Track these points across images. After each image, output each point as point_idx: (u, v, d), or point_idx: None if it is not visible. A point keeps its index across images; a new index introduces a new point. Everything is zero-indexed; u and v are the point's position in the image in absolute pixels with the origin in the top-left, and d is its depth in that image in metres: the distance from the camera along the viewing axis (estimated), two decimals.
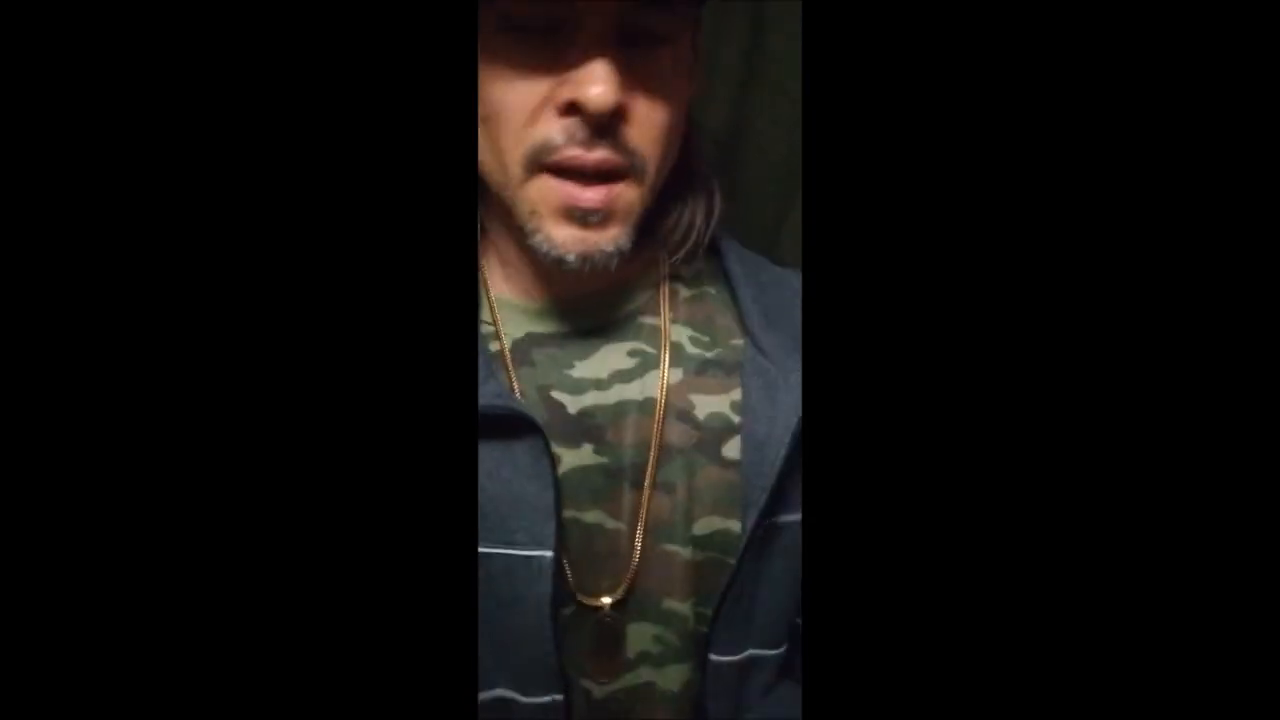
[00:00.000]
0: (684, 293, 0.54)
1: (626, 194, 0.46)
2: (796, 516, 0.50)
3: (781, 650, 0.52)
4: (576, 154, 0.44)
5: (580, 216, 0.46)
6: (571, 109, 0.43)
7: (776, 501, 0.49)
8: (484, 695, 0.48)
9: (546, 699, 0.47)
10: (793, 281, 0.56)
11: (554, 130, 0.44)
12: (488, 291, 0.53)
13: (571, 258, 0.47)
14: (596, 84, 0.41)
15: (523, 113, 0.44)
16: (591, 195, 0.45)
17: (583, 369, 0.51)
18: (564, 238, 0.46)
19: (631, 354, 0.51)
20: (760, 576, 0.50)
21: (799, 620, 0.52)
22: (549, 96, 0.44)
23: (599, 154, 0.44)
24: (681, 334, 0.52)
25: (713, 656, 0.50)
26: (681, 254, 0.52)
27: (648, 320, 0.52)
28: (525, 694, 0.47)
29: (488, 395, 0.47)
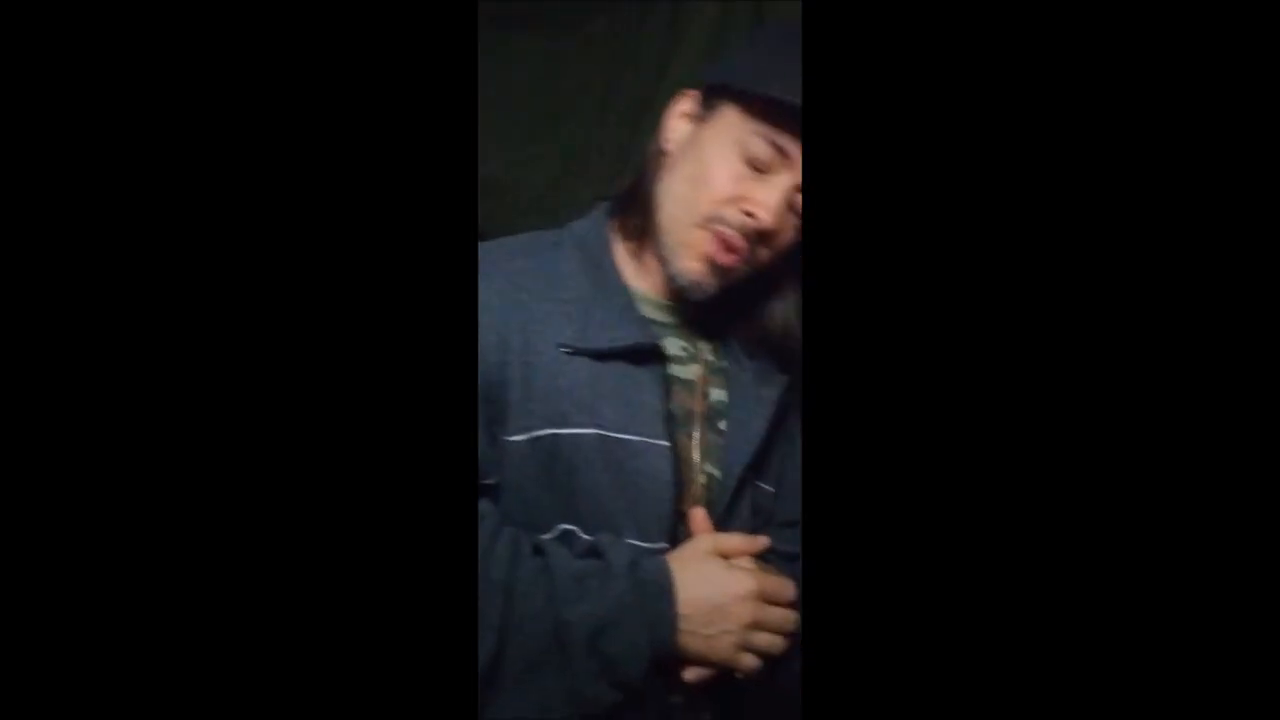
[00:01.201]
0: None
1: (736, 271, 0.70)
2: (761, 485, 0.75)
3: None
4: (733, 236, 0.68)
5: (709, 262, 0.70)
6: (750, 214, 0.68)
7: (738, 465, 0.72)
8: (617, 541, 0.68)
9: (660, 545, 0.67)
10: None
11: (731, 214, 0.68)
12: (625, 267, 0.76)
13: (684, 281, 0.71)
14: (771, 214, 0.68)
15: (725, 194, 0.69)
16: (725, 256, 0.69)
17: (664, 346, 0.75)
18: (690, 269, 0.70)
19: (683, 348, 0.75)
20: (733, 515, 0.72)
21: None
22: (742, 197, 0.68)
23: (744, 244, 0.69)
24: (708, 346, 0.77)
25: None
26: (763, 343, 0.76)
27: (691, 331, 0.76)
28: (644, 539, 0.67)
29: (643, 334, 0.71)
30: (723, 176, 0.69)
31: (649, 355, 0.71)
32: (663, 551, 0.67)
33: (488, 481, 0.68)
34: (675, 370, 0.73)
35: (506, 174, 1.11)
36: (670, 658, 0.64)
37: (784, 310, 0.76)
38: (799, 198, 0.70)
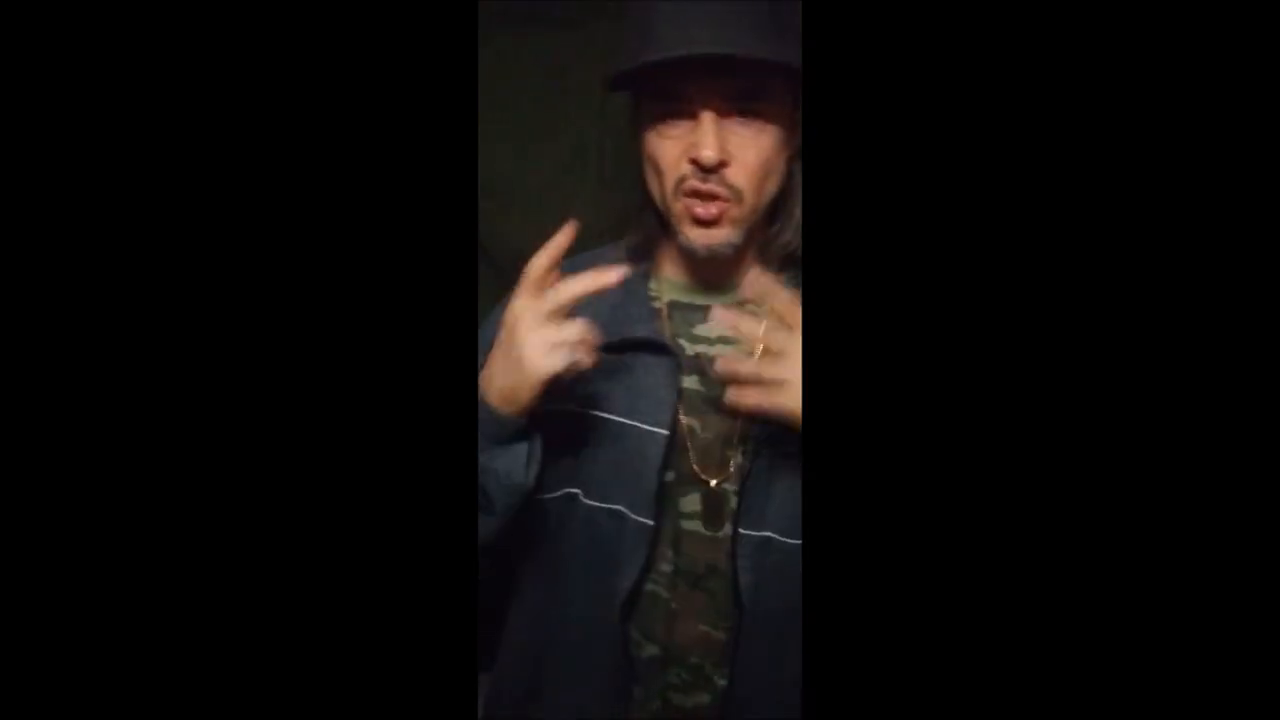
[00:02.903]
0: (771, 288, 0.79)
1: (731, 210, 0.74)
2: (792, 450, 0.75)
3: (795, 541, 0.75)
4: (696, 184, 0.73)
5: (699, 222, 0.74)
6: (694, 160, 0.72)
7: (782, 434, 0.72)
8: (607, 505, 0.78)
9: (645, 520, 0.76)
10: None
11: (687, 170, 0.73)
12: (658, 272, 0.84)
13: (699, 250, 0.75)
14: (707, 147, 0.71)
15: (671, 161, 0.74)
16: (704, 209, 0.73)
17: (701, 329, 0.81)
18: (693, 235, 0.75)
19: (730, 328, 0.76)
20: (775, 484, 0.76)
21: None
22: (685, 151, 0.73)
23: (709, 185, 0.73)
24: (763, 323, 0.75)
25: (741, 530, 0.76)
26: (769, 257, 0.80)
27: (749, 307, 0.78)
28: (634, 511, 0.76)
29: (651, 331, 0.79)
30: (663, 150, 0.74)
31: (661, 348, 0.78)
32: (648, 526, 0.75)
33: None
34: (711, 350, 0.79)
35: (506, 174, 1.10)
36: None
37: (782, 224, 0.79)
38: (739, 117, 0.72)
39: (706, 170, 0.71)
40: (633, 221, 0.83)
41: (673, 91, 0.72)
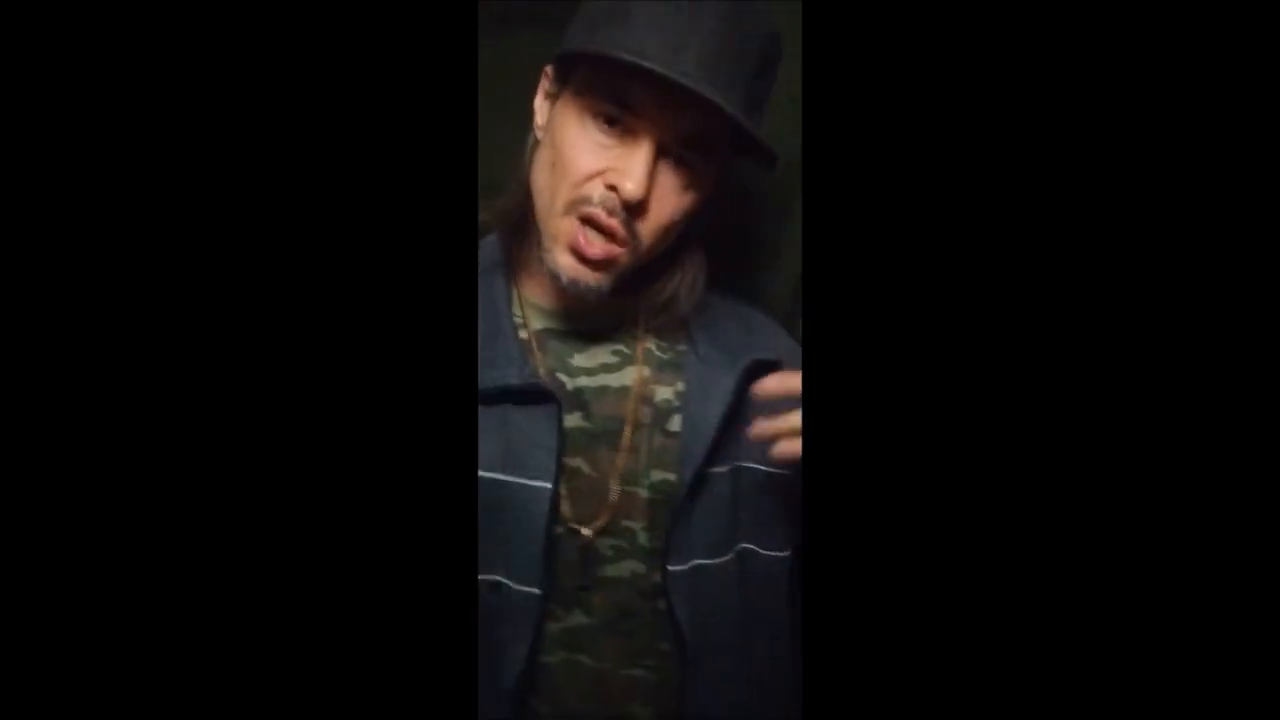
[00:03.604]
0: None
1: (620, 258, 0.66)
2: (722, 469, 0.70)
3: (723, 559, 0.71)
4: (599, 214, 0.64)
5: (581, 258, 0.65)
6: (613, 187, 0.63)
7: (709, 459, 0.68)
8: (483, 577, 0.65)
9: (531, 589, 0.65)
10: (719, 302, 0.76)
11: (595, 193, 0.64)
12: (519, 291, 0.73)
13: (564, 280, 0.67)
14: (634, 181, 0.62)
15: (583, 172, 0.64)
16: (595, 249, 0.65)
17: (579, 360, 0.71)
18: (565, 265, 0.66)
19: (614, 354, 0.72)
20: (694, 511, 0.69)
21: (744, 545, 0.71)
22: (603, 170, 0.64)
23: (613, 223, 0.64)
24: (650, 341, 0.73)
25: (669, 567, 0.69)
26: (656, 320, 0.72)
27: (627, 329, 0.72)
28: (516, 582, 0.66)
29: (523, 375, 0.67)
30: (580, 151, 0.64)
31: (534, 392, 0.66)
32: (533, 596, 0.64)
33: None
34: (593, 381, 0.70)
35: (506, 174, 1.10)
36: None
37: (677, 288, 0.70)
38: (674, 161, 0.64)
39: (620, 203, 0.63)
40: (503, 211, 0.73)
41: (623, 98, 0.63)
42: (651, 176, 0.63)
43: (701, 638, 0.70)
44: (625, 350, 0.72)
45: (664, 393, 0.72)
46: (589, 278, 0.66)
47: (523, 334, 0.71)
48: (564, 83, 0.68)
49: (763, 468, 0.72)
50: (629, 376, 0.71)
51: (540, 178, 0.68)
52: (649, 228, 0.66)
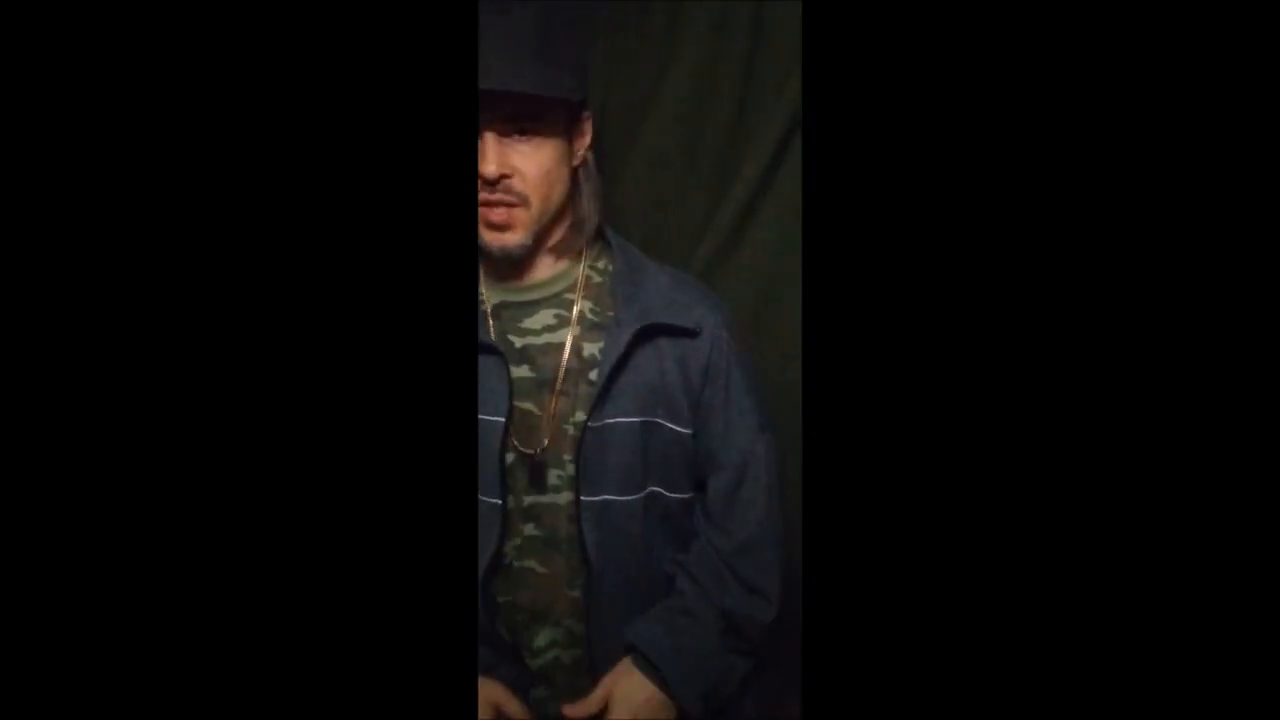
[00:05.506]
0: (594, 279, 0.93)
1: (518, 215, 0.85)
2: (622, 419, 0.88)
3: (631, 498, 0.88)
4: (485, 195, 0.83)
5: (491, 226, 0.85)
6: (480, 175, 0.82)
7: (604, 406, 0.87)
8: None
9: (494, 500, 0.87)
10: (658, 276, 0.93)
11: (480, 184, 0.83)
12: (484, 274, 0.93)
13: (493, 250, 0.87)
14: (486, 162, 0.82)
15: (483, 169, 0.82)
16: (494, 215, 0.84)
17: (527, 323, 0.91)
18: (488, 239, 0.86)
19: (555, 317, 0.91)
20: (607, 453, 0.87)
21: (652, 488, 0.90)
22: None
23: (496, 195, 0.83)
24: (585, 306, 0.91)
25: (582, 497, 0.87)
26: (582, 241, 0.91)
27: (568, 297, 0.92)
28: (484, 494, 0.86)
29: (481, 335, 0.87)
30: (482, 157, 0.82)
31: (489, 348, 0.88)
32: (496, 505, 0.86)
33: None
34: (539, 340, 0.90)
35: None
36: None
37: (581, 208, 0.89)
38: (519, 136, 0.82)
39: (490, 183, 0.81)
40: None
41: (502, 106, 0.80)
42: (500, 154, 0.82)
43: (604, 569, 0.87)
44: (564, 314, 0.91)
45: (590, 349, 0.90)
46: (505, 240, 0.85)
47: (483, 307, 0.91)
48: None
49: (668, 424, 0.89)
50: (564, 335, 0.90)
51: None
52: (525, 184, 0.84)
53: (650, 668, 0.86)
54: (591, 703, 0.85)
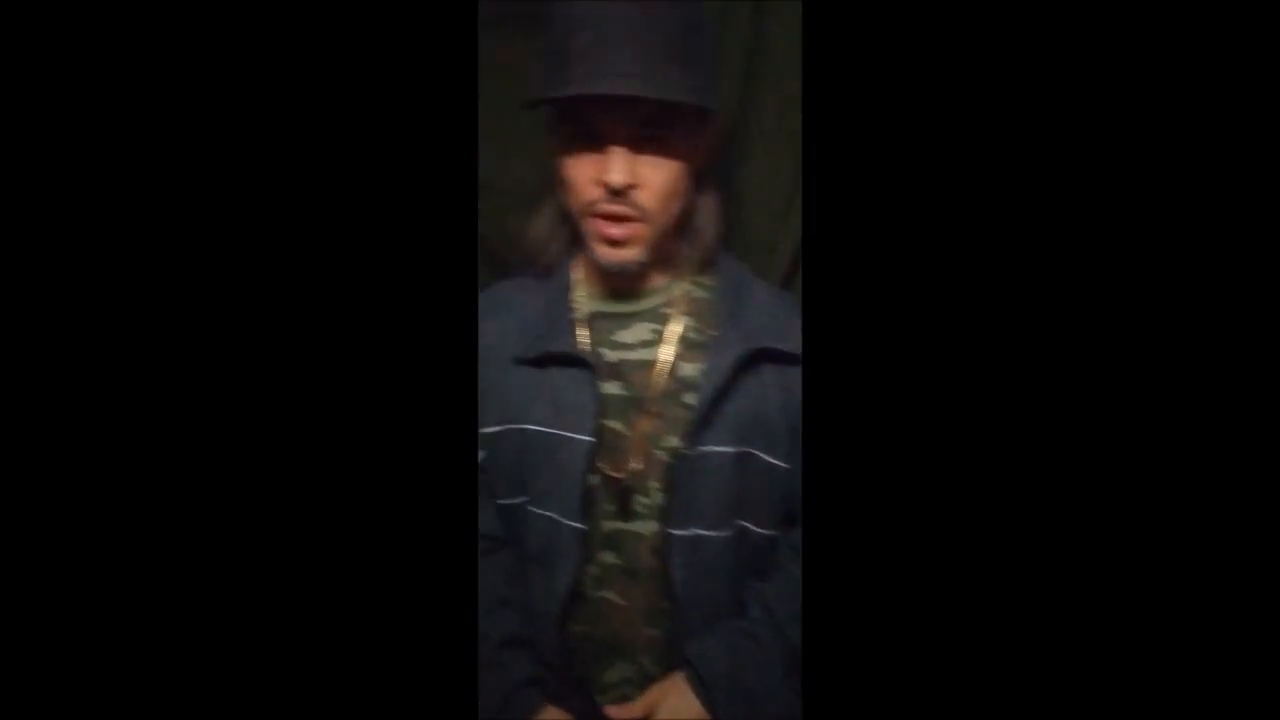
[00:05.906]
0: (695, 294, 0.87)
1: (639, 230, 0.79)
2: (717, 449, 0.82)
3: (722, 534, 0.82)
4: (604, 206, 0.78)
5: (609, 242, 0.80)
6: (604, 183, 0.77)
7: (700, 433, 0.81)
8: (537, 511, 0.83)
9: (576, 524, 0.81)
10: (762, 294, 0.89)
11: (596, 193, 0.78)
12: (580, 282, 0.88)
13: (605, 264, 0.81)
14: (614, 172, 0.76)
15: (581, 181, 0.79)
16: (614, 230, 0.79)
17: (622, 336, 0.85)
18: (602, 253, 0.81)
19: (652, 332, 0.85)
20: (698, 483, 0.81)
21: (741, 523, 0.84)
22: (595, 175, 0.77)
23: (619, 207, 0.78)
24: (684, 324, 0.85)
25: (671, 530, 0.81)
26: (698, 259, 0.86)
27: (666, 311, 0.86)
28: (565, 517, 0.81)
29: (568, 344, 0.83)
30: (574, 169, 0.79)
31: (578, 360, 0.82)
32: (579, 530, 0.81)
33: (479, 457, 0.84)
34: (632, 355, 0.84)
35: (505, 174, 1.11)
36: None
37: (699, 223, 0.85)
38: (646, 144, 0.77)
39: (615, 193, 0.76)
40: (542, 244, 0.89)
41: (584, 120, 0.76)
42: (628, 163, 0.76)
43: (690, 606, 0.82)
44: (660, 329, 0.85)
45: (689, 369, 0.84)
46: (622, 256, 0.80)
47: (574, 315, 0.86)
48: (549, 127, 0.82)
49: (764, 456, 0.83)
50: (661, 352, 0.84)
51: (564, 198, 0.83)
52: (650, 197, 0.78)
53: (702, 688, 0.80)
54: (635, 709, 0.81)
